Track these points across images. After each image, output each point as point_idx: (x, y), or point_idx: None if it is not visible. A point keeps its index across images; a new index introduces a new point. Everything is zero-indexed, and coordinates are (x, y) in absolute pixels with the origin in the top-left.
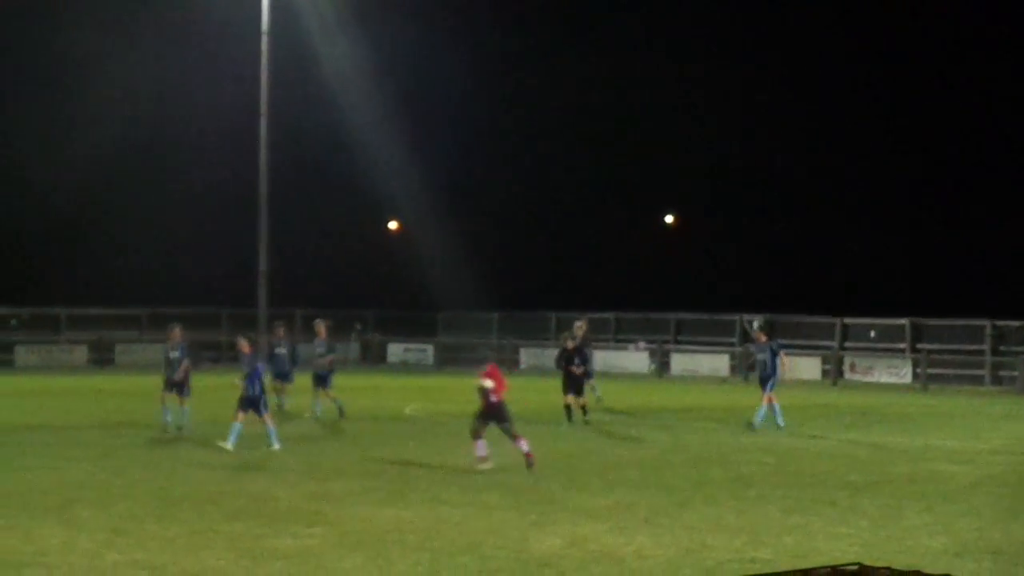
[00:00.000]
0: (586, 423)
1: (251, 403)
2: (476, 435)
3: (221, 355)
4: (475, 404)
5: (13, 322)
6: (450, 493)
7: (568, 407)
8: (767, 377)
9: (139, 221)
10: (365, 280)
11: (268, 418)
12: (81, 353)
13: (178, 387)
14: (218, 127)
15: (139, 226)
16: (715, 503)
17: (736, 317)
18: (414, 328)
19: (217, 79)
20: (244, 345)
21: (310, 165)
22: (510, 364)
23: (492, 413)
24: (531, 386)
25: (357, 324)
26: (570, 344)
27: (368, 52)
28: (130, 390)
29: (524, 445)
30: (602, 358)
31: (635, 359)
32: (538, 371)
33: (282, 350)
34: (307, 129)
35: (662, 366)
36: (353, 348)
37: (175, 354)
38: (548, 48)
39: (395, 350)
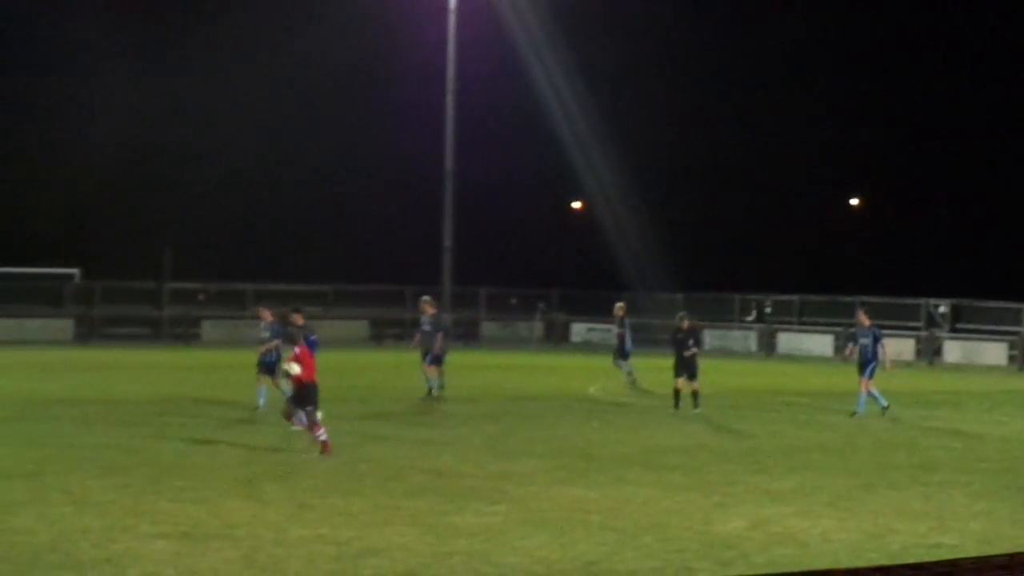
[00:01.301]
0: (696, 414)
1: (269, 367)
2: (287, 417)
3: (405, 332)
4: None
5: (200, 297)
6: (634, 473)
7: (677, 392)
8: (867, 362)
9: (325, 198)
10: (549, 259)
11: (272, 383)
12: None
13: (268, 367)
14: (405, 104)
15: (326, 203)
16: (900, 488)
17: (921, 301)
18: (598, 308)
19: (404, 56)
20: (266, 313)
21: (497, 143)
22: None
23: (302, 396)
24: (715, 368)
25: (540, 303)
26: (685, 324)
27: (557, 28)
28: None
29: (322, 434)
30: (785, 340)
31: (819, 343)
32: (723, 353)
33: (428, 327)
34: (494, 106)
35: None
36: (536, 327)
37: (265, 334)
38: (731, 29)
39: (579, 330)
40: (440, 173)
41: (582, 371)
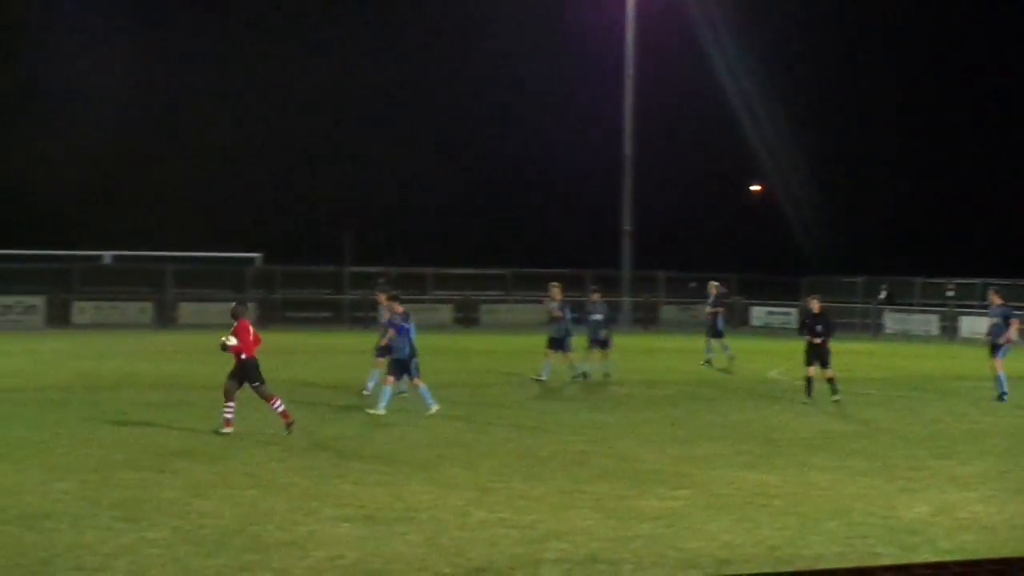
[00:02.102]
0: (835, 401)
1: (402, 367)
2: (228, 396)
3: (583, 316)
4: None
5: (381, 280)
6: (817, 458)
7: (808, 380)
8: (999, 344)
9: (505, 181)
10: (728, 242)
11: (419, 381)
12: (446, 312)
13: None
14: (583, 89)
15: (506, 186)
16: None
17: None
18: (777, 291)
19: (583, 39)
20: (383, 298)
21: (676, 126)
22: (874, 329)
23: (242, 372)
24: (896, 352)
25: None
26: (816, 308)
27: (735, 8)
28: (494, 349)
29: (279, 405)
30: (968, 324)
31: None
32: (904, 337)
33: (598, 316)
34: (673, 89)
35: None
36: None
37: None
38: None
39: (758, 313)
40: (619, 156)
41: (762, 354)
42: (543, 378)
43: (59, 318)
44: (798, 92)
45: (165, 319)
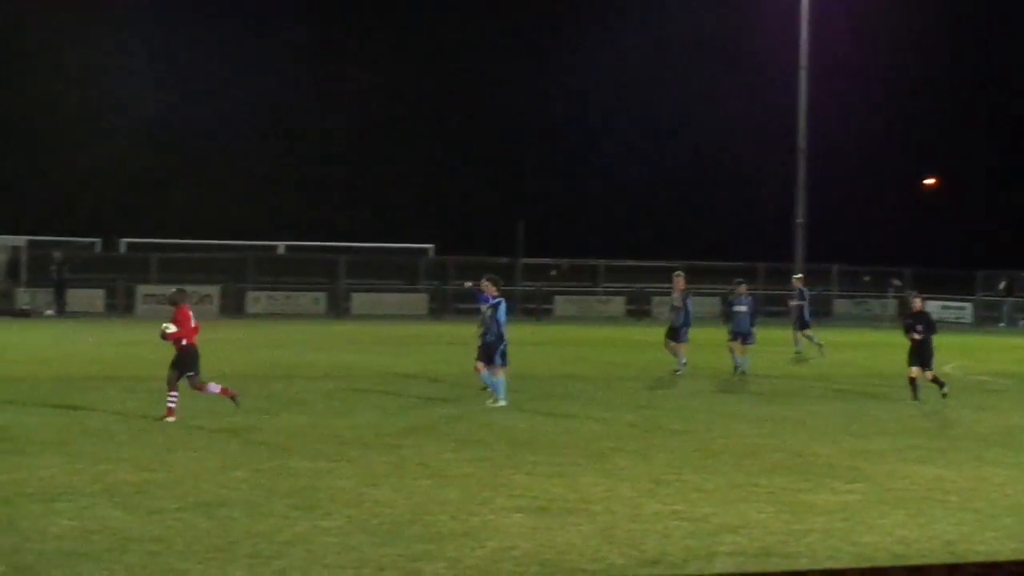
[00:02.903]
0: (943, 395)
1: (489, 352)
2: (170, 385)
3: (759, 309)
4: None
5: (553, 272)
6: (993, 453)
7: (912, 381)
8: None
9: (676, 173)
10: (902, 235)
11: (501, 371)
12: (618, 304)
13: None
14: (758, 80)
15: (677, 178)
16: None
17: None
18: (952, 286)
19: (756, 30)
20: (491, 288)
21: (850, 118)
22: None
23: (181, 361)
24: None
25: (894, 280)
26: (917, 305)
27: (909, 2)
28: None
29: (214, 388)
30: None
31: None
32: None
33: (742, 308)
34: (847, 81)
35: None
36: (890, 304)
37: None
38: None
39: (931, 308)
40: (793, 148)
41: (937, 349)
42: (682, 367)
43: (233, 307)
44: (972, 84)
45: (338, 309)
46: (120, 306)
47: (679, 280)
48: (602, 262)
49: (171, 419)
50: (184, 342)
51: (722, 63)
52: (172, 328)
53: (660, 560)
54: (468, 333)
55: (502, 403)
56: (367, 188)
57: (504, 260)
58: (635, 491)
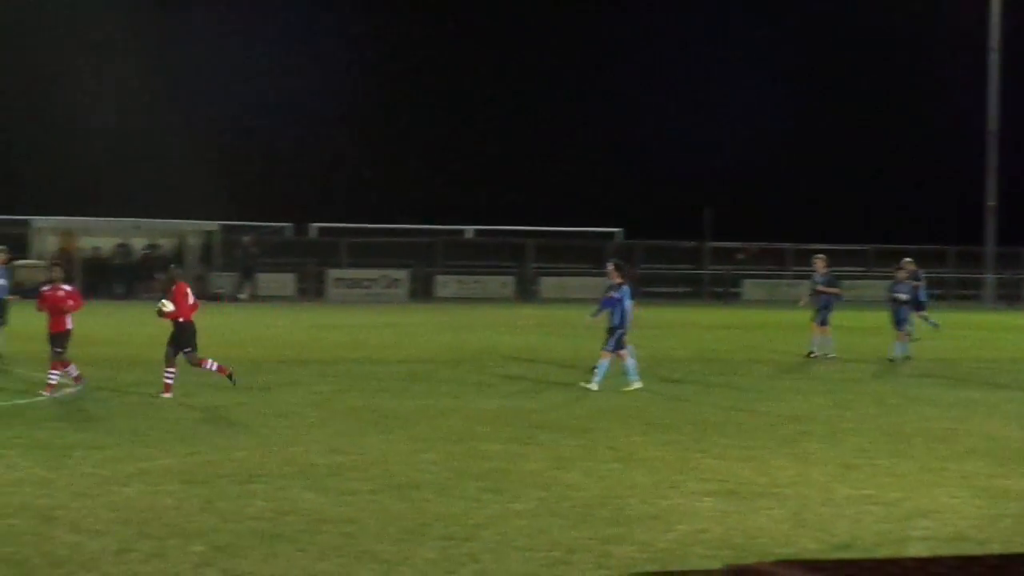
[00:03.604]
0: None
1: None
2: (167, 362)
3: (947, 292)
4: None
5: (740, 256)
6: None
7: None
8: None
9: (861, 155)
10: None
11: (608, 355)
12: (806, 288)
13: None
14: (946, 59)
15: (862, 160)
16: None
17: None
18: None
19: (944, 13)
20: (615, 274)
21: None
22: None
23: (177, 338)
24: None
25: None
26: None
27: None
28: (853, 325)
29: (211, 365)
30: None
31: None
32: None
33: (902, 295)
34: None
35: None
36: None
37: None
38: None
39: None
40: (982, 127)
41: None
42: (815, 353)
43: (422, 291)
44: None
45: (526, 293)
46: (311, 290)
47: (819, 262)
48: (789, 245)
49: (167, 395)
50: (181, 319)
51: (911, 40)
52: (169, 306)
53: (851, 545)
54: (657, 318)
55: (594, 387)
56: (555, 172)
57: (691, 244)
58: (825, 475)
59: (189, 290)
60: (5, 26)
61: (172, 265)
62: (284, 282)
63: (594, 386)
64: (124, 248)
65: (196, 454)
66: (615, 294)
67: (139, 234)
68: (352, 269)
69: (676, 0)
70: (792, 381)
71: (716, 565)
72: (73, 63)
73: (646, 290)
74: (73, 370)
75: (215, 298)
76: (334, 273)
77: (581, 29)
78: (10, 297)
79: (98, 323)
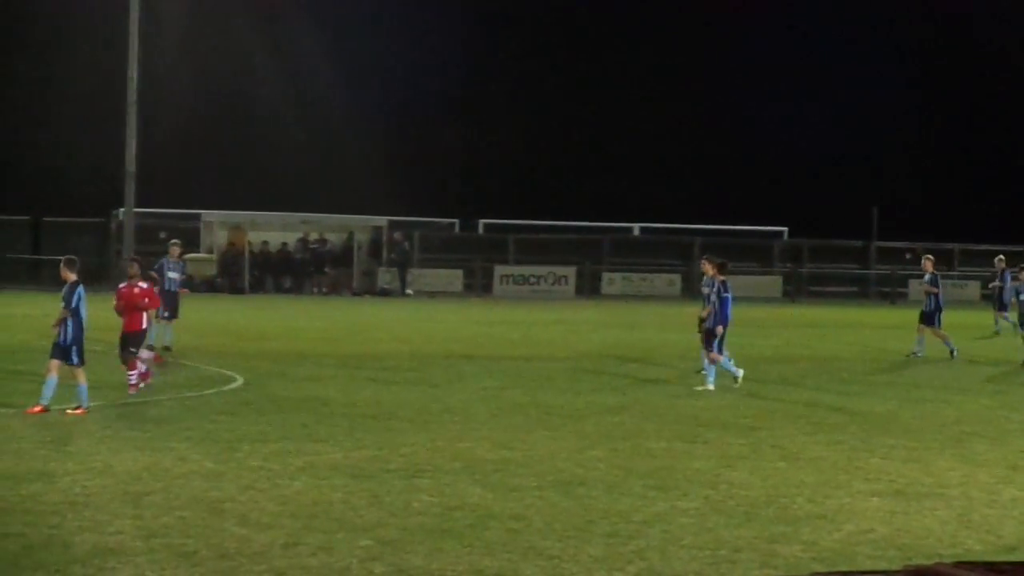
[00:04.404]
0: None
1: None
2: (123, 362)
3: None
4: None
5: (907, 255)
6: None
7: None
8: None
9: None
10: None
11: (716, 356)
12: (974, 289)
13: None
14: None
15: None
16: None
17: None
18: None
19: None
20: (710, 269)
21: None
22: None
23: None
24: None
25: None
26: None
27: None
28: None
29: (145, 359)
30: None
31: None
32: None
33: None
34: None
35: None
36: None
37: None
38: None
39: None
40: None
41: None
42: (918, 354)
43: (589, 288)
44: None
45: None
46: (478, 286)
47: (928, 262)
48: (956, 246)
49: (148, 382)
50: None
51: None
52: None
53: (1018, 547)
54: (823, 317)
55: (710, 387)
56: (723, 170)
57: (858, 243)
58: (992, 476)
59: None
60: (190, 27)
61: (130, 259)
62: (451, 278)
63: (711, 386)
64: (305, 242)
65: (363, 449)
66: (726, 293)
67: (307, 229)
68: (519, 266)
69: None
70: (958, 382)
71: (883, 565)
72: (248, 60)
73: (812, 289)
74: (143, 368)
75: (383, 293)
76: (501, 269)
77: (747, 25)
78: (181, 291)
79: (266, 317)
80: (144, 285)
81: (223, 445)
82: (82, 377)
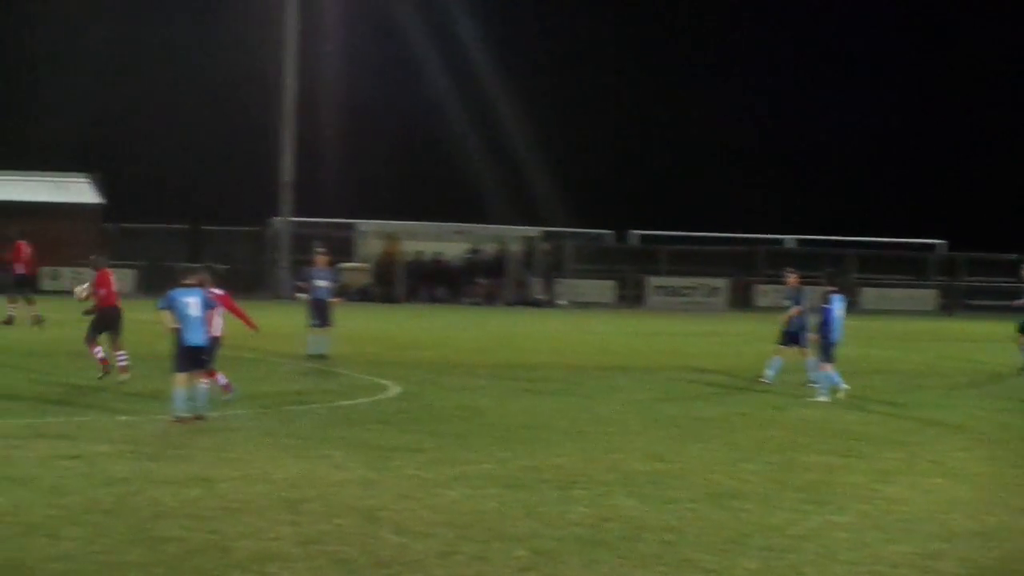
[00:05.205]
0: None
1: (792, 338)
2: (115, 347)
3: None
4: None
5: None
6: None
7: None
8: None
9: None
10: None
11: (806, 352)
12: None
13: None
14: None
15: None
16: None
17: None
18: None
19: None
20: (793, 279)
21: None
22: None
23: (102, 320)
24: None
25: None
26: None
27: None
28: None
29: (99, 352)
30: None
31: None
32: None
33: None
34: None
35: None
36: None
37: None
38: None
39: None
40: None
41: None
42: None
43: (741, 301)
44: None
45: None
46: (630, 297)
47: None
48: None
49: (124, 376)
50: (105, 305)
51: None
52: (81, 291)
53: None
54: (982, 332)
55: (823, 399)
56: (878, 181)
57: (1017, 256)
58: None
59: (112, 278)
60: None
61: (96, 255)
62: (604, 289)
63: (823, 397)
64: (476, 252)
65: (517, 459)
66: (828, 305)
67: (461, 239)
68: (672, 277)
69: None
70: None
71: None
72: (405, 69)
73: (970, 303)
74: (221, 378)
75: (535, 303)
76: (654, 281)
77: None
78: (334, 300)
79: (419, 326)
80: (217, 291)
81: (378, 453)
82: (200, 381)
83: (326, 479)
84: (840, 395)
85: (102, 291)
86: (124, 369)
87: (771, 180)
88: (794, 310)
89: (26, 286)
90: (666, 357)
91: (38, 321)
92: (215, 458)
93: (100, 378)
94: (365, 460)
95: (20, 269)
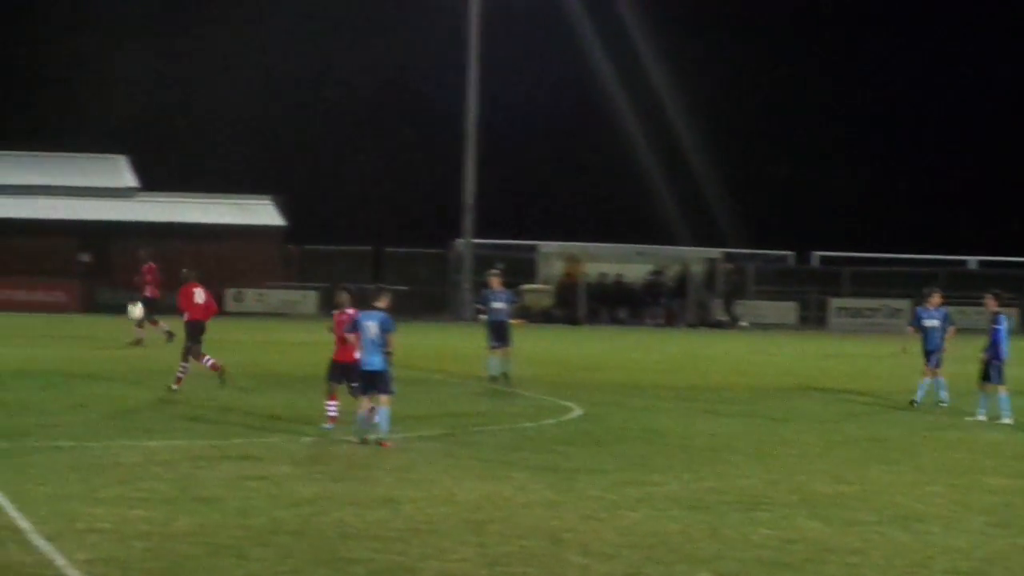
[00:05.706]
0: None
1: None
2: (195, 356)
3: None
4: None
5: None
6: None
7: None
8: None
9: None
10: None
11: (1002, 388)
12: None
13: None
14: None
15: None
16: None
17: None
18: None
19: None
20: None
21: None
22: None
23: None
24: None
25: None
26: None
27: None
28: None
29: (208, 361)
30: None
31: None
32: None
33: None
34: None
35: None
36: None
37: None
38: None
39: None
40: None
41: None
42: None
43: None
44: None
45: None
46: (812, 319)
47: None
48: None
49: (177, 387)
50: (187, 317)
51: None
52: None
53: None
54: None
55: (1006, 421)
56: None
57: None
58: None
59: (197, 291)
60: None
61: (184, 270)
62: (786, 310)
63: (1007, 419)
64: (657, 274)
65: (700, 480)
66: (996, 325)
67: (642, 260)
68: (854, 298)
69: None
70: None
71: None
72: (586, 91)
73: None
74: (332, 408)
75: (717, 325)
76: (836, 302)
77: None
78: (515, 321)
79: (601, 348)
80: (351, 312)
81: (561, 475)
82: (382, 404)
83: (510, 500)
84: (981, 417)
85: (186, 304)
86: (180, 380)
87: (955, 200)
88: (951, 331)
89: (152, 309)
90: (848, 379)
91: (171, 338)
92: (399, 479)
93: (220, 385)
94: (549, 482)
95: (148, 292)
